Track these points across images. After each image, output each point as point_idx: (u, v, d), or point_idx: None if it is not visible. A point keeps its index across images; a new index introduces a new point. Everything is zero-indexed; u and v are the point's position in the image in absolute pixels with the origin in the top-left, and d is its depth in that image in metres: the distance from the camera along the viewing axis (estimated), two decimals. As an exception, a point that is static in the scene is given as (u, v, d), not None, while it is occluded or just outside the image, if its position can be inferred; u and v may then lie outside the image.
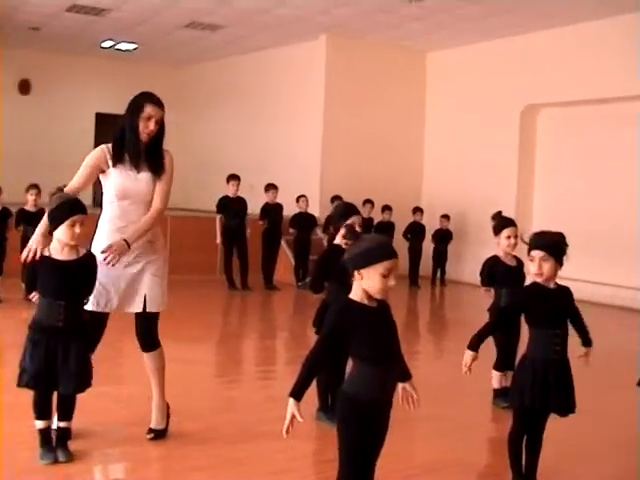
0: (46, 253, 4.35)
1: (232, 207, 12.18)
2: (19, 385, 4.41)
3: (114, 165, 4.67)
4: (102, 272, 4.53)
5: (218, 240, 12.19)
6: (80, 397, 4.54)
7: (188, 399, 4.95)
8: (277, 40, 15.00)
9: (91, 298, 4.60)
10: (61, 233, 4.30)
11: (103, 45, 16.44)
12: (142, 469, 4.58)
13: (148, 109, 4.63)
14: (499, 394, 6.09)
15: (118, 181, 4.67)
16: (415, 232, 14.09)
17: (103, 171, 4.70)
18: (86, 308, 4.58)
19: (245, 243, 12.24)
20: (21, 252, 10.83)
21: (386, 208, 13.86)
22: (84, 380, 4.43)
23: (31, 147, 17.02)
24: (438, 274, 14.28)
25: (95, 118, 18.28)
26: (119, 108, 19.75)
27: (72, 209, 4.31)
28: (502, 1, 11.53)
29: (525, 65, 13.44)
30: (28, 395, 4.50)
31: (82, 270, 4.40)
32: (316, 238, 13.27)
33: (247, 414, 5.64)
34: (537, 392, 4.07)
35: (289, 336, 9.59)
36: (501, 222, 6.21)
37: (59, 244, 4.36)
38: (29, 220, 10.27)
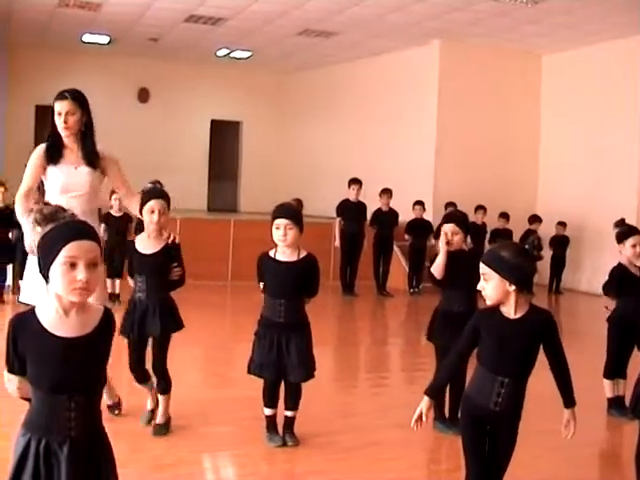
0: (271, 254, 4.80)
1: (352, 211, 12.15)
2: (249, 372, 4.83)
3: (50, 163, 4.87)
4: None
5: (337, 243, 12.15)
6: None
7: (307, 403, 5.01)
8: (390, 46, 14.97)
9: None
10: None
11: (218, 54, 16.78)
12: (264, 468, 4.67)
13: (56, 107, 4.83)
14: (613, 403, 6.03)
15: (59, 177, 4.86)
16: (532, 240, 13.75)
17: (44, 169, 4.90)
18: None
19: (361, 248, 12.15)
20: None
21: (502, 216, 13.56)
22: (307, 371, 4.79)
23: (149, 153, 17.45)
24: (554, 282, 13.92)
25: (210, 124, 18.66)
26: (233, 114, 20.08)
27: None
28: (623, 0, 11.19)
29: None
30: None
31: (303, 271, 4.80)
32: (431, 245, 13.13)
33: (363, 420, 5.67)
34: None
35: (402, 342, 9.56)
36: (625, 230, 6.02)
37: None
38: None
